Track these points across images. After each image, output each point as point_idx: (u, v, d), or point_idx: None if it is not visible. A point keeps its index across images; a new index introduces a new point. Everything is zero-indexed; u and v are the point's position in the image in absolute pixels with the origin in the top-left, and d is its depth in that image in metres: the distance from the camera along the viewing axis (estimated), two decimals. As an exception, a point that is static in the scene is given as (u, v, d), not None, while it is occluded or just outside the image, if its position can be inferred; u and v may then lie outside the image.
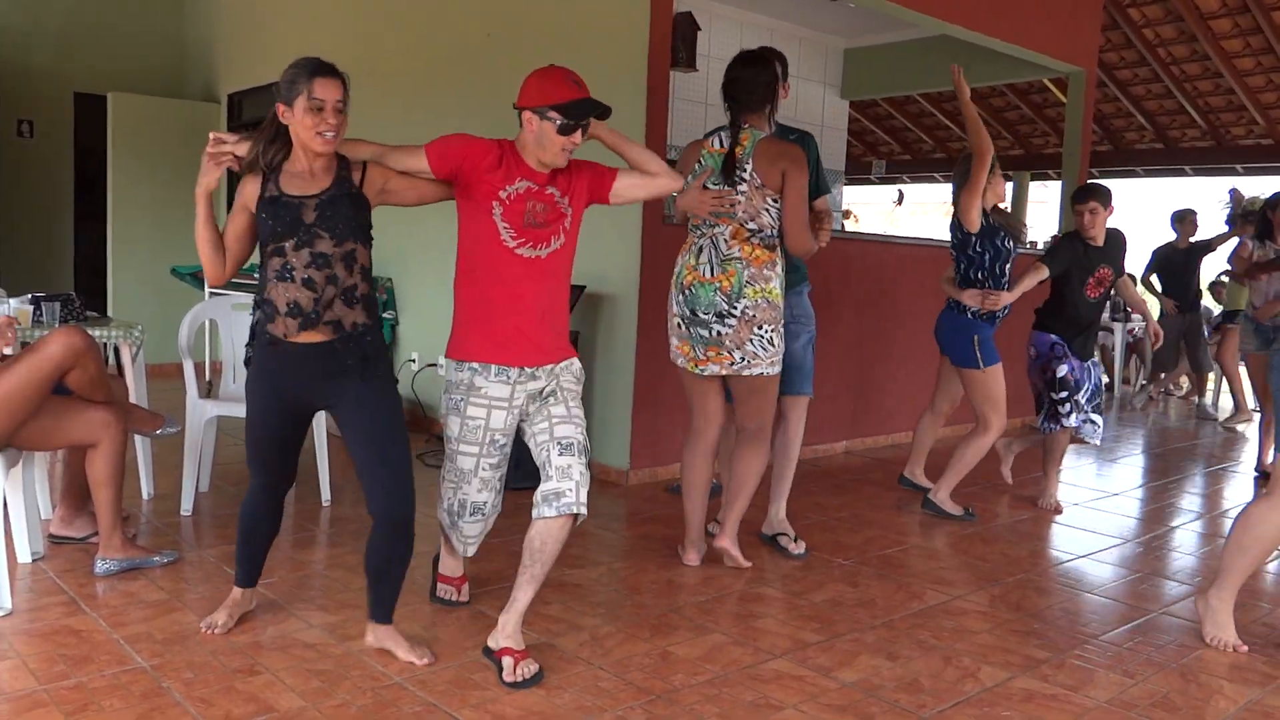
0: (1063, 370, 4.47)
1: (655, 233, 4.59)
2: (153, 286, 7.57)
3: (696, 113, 7.08)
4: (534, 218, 2.63)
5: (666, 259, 4.59)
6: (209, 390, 5.97)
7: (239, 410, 4.10)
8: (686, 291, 3.35)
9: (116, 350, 4.03)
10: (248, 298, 4.48)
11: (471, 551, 2.96)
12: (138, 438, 3.94)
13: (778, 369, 3.42)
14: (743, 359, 3.31)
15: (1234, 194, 7.70)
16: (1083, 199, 4.50)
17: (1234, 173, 11.56)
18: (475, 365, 2.66)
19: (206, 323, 4.62)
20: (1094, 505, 4.81)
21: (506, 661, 2.51)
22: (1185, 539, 4.31)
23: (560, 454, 2.56)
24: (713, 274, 3.31)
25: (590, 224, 2.89)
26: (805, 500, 4.51)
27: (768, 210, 3.31)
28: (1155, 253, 8.20)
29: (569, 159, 2.67)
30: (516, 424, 2.73)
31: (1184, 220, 8.03)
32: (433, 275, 5.88)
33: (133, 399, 3.73)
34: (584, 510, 2.53)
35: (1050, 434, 4.61)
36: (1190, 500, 5.13)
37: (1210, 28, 9.56)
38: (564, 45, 5.00)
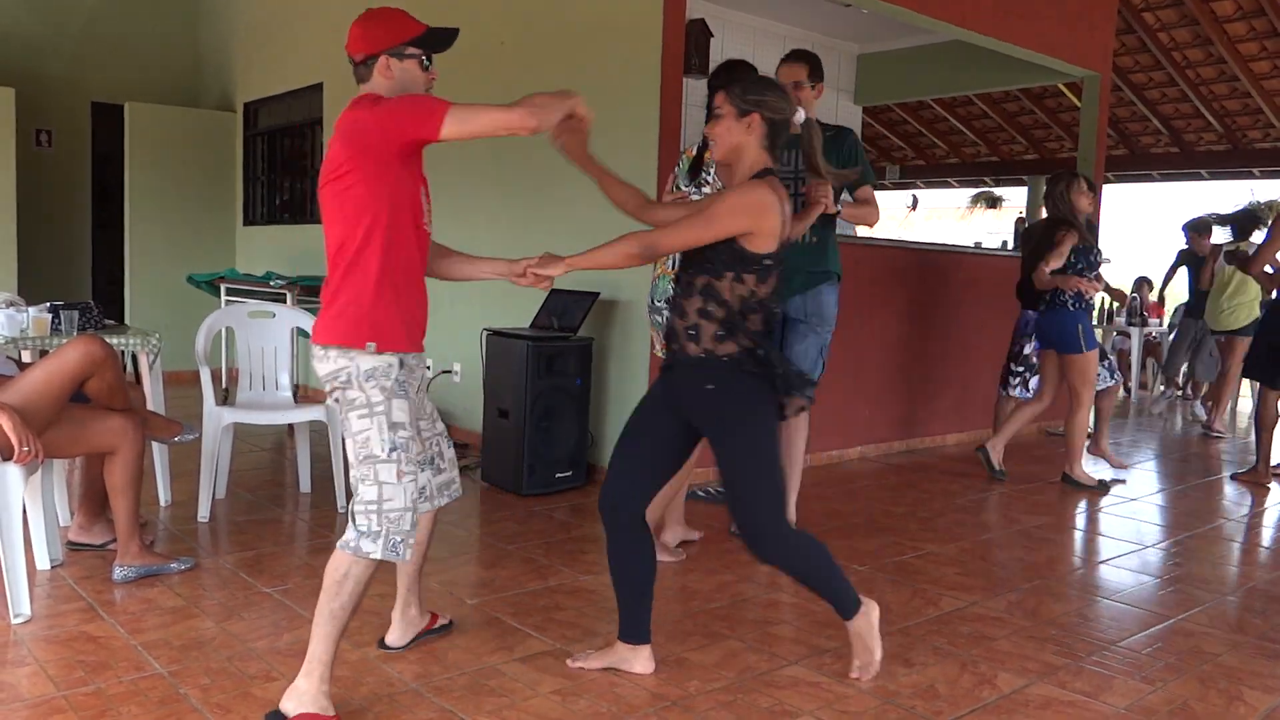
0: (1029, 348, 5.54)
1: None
2: (169, 294, 7.62)
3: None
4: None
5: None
6: (225, 397, 6.00)
7: (255, 417, 4.14)
8: (653, 283, 3.63)
9: (134, 358, 4.06)
10: (262, 305, 4.51)
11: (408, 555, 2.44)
12: (155, 445, 3.96)
13: None
14: None
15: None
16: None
17: (1250, 176, 11.50)
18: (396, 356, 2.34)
19: (223, 330, 4.65)
20: (1110, 511, 4.78)
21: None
22: (1203, 545, 4.27)
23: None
24: (673, 266, 3.48)
25: (604, 230, 2.86)
26: (820, 506, 4.50)
27: None
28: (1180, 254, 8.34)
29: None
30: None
31: (1200, 230, 8.06)
32: (445, 282, 5.88)
33: (150, 406, 3.75)
34: (350, 547, 2.26)
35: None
36: (1207, 506, 5.09)
37: (1226, 31, 9.51)
38: (577, 52, 5.02)
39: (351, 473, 2.30)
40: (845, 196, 3.82)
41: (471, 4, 5.70)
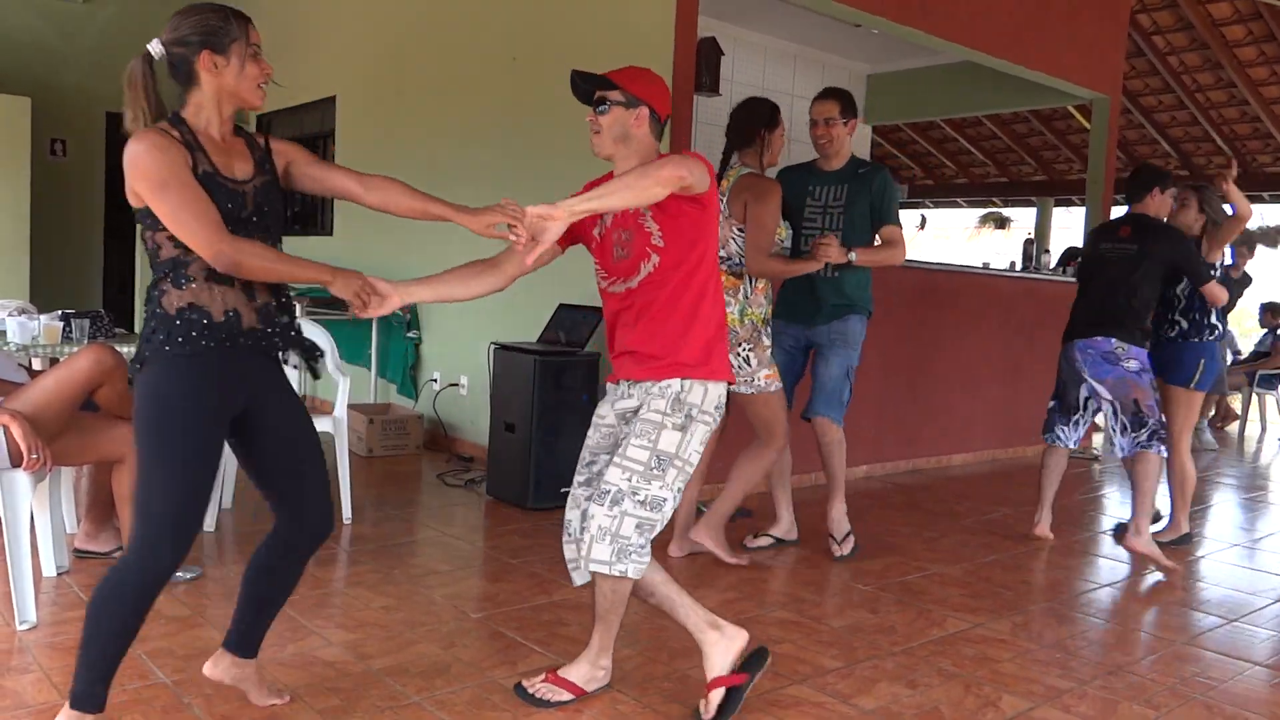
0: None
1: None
2: (179, 304, 7.65)
3: (720, 137, 7.10)
4: (622, 249, 2.48)
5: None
6: (233, 407, 6.01)
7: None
8: (746, 304, 3.74)
9: (143, 367, 4.07)
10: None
11: (575, 580, 2.60)
12: (162, 454, 3.97)
13: (758, 388, 3.68)
14: None
15: None
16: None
17: (1260, 200, 11.49)
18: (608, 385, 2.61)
19: (232, 340, 4.66)
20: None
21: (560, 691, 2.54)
22: (1211, 569, 4.26)
23: (594, 499, 2.43)
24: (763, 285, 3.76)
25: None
26: (823, 526, 4.49)
27: (734, 239, 3.64)
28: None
29: (596, 144, 2.52)
30: (612, 444, 2.56)
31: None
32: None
33: (158, 415, 3.76)
34: (596, 568, 2.40)
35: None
36: (1217, 529, 5.07)
37: (1236, 55, 9.54)
38: (588, 67, 5.04)
39: None
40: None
41: (482, 20, 5.75)
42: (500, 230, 2.21)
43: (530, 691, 2.53)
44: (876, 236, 3.91)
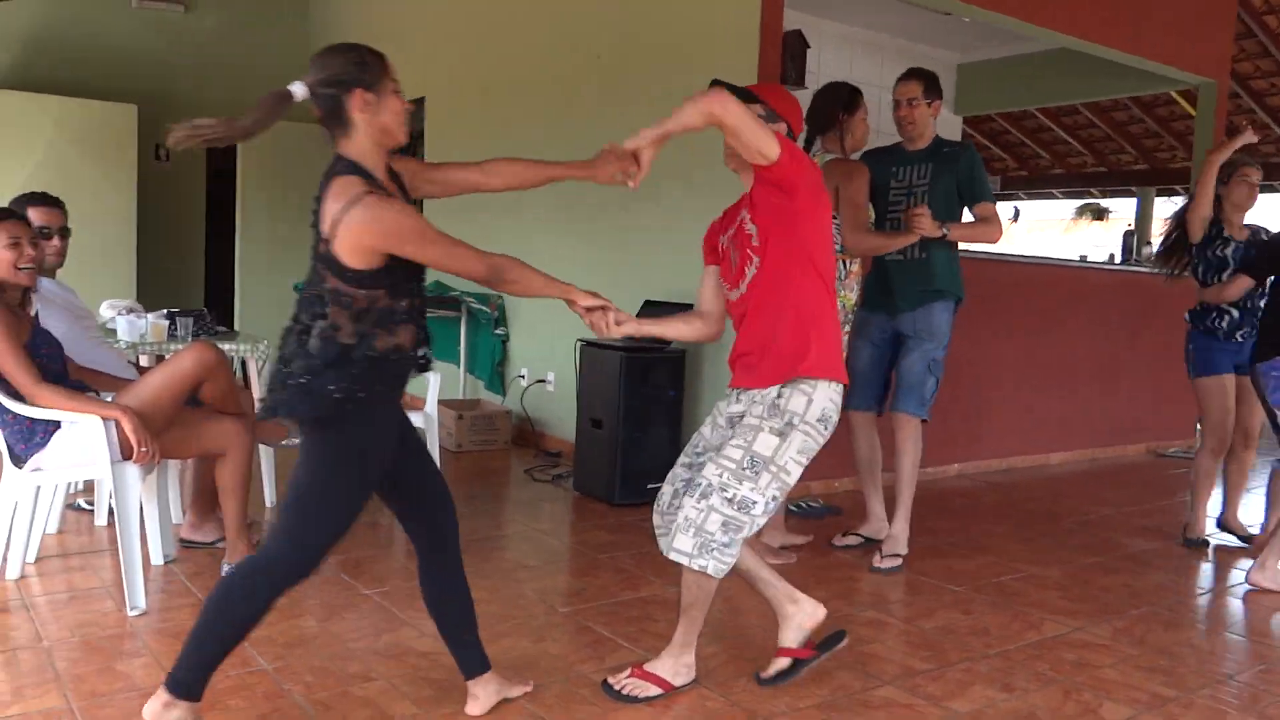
0: None
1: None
2: (277, 302, 7.88)
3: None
4: (736, 256, 2.53)
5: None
6: (328, 403, 6.17)
7: (356, 423, 4.25)
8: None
9: (244, 363, 4.21)
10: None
11: (660, 545, 2.57)
12: (263, 447, 4.10)
13: None
14: None
15: None
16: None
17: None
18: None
19: (327, 338, 4.79)
20: (1225, 538, 4.56)
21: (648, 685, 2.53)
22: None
23: (686, 491, 2.50)
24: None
25: (673, 240, 2.85)
26: (916, 523, 4.40)
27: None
28: None
29: (732, 164, 2.56)
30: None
31: None
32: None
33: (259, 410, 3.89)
34: (676, 558, 2.41)
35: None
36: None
37: (1354, 34, 9.04)
38: (673, 63, 5.04)
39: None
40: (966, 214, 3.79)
41: (567, 18, 5.78)
42: (618, 179, 2.38)
43: (617, 688, 2.53)
44: (968, 215, 3.78)
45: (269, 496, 4.25)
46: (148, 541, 3.38)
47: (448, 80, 6.98)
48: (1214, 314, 4.21)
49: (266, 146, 8.01)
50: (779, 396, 2.44)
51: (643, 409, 4.56)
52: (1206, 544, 4.32)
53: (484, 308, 6.20)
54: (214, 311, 4.66)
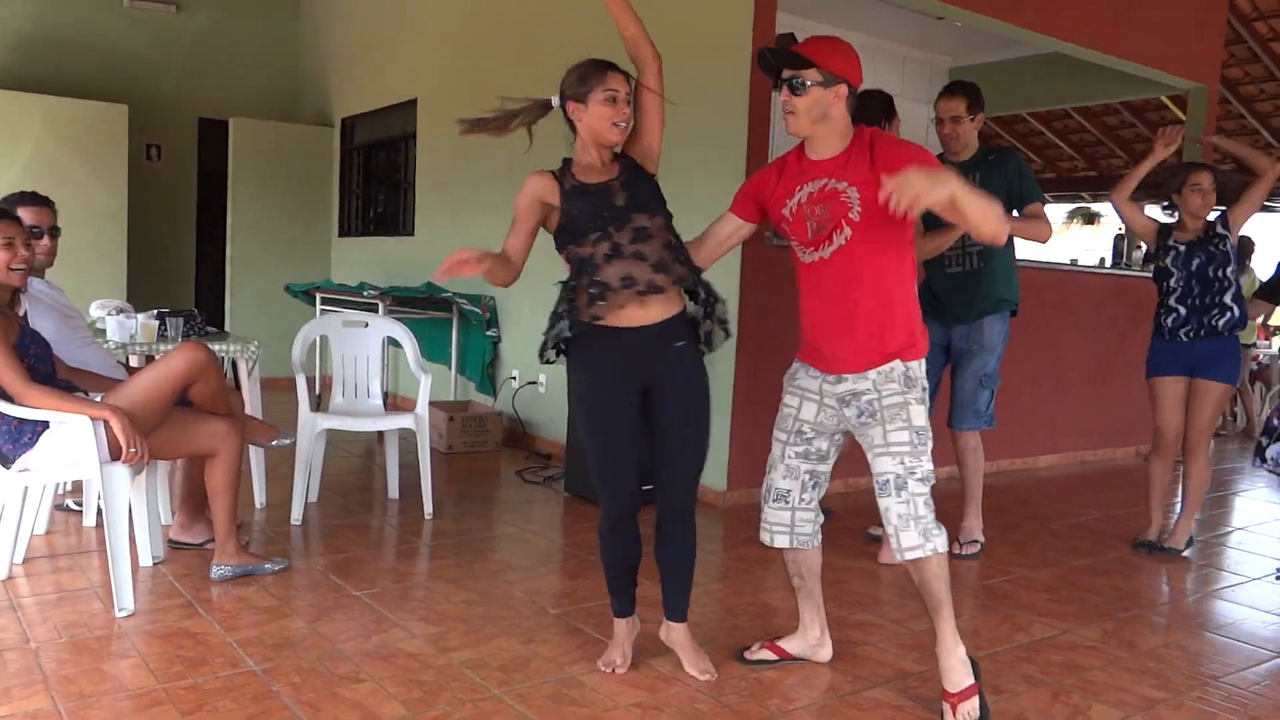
0: None
1: (756, 251, 4.56)
2: (268, 303, 7.88)
3: (798, 133, 7.03)
4: (815, 223, 2.48)
5: (766, 277, 4.57)
6: (319, 404, 6.17)
7: (347, 424, 4.24)
8: None
9: (234, 364, 4.20)
10: (357, 315, 4.63)
11: (775, 541, 2.69)
12: (252, 448, 4.09)
13: None
14: None
15: None
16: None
17: (1368, 192, 10.94)
18: (799, 362, 2.66)
19: (318, 339, 4.78)
20: (1215, 540, 4.58)
21: (946, 708, 2.48)
22: (1315, 578, 4.07)
23: (879, 493, 2.49)
24: None
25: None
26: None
27: None
28: None
29: (794, 125, 2.48)
30: (836, 426, 2.58)
31: None
32: (533, 294, 5.96)
33: (249, 411, 3.88)
34: (910, 555, 2.45)
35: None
36: (1321, 537, 4.84)
37: (1343, 40, 9.10)
38: (667, 64, 5.01)
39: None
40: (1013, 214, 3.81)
41: (559, 20, 5.78)
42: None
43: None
44: (1019, 213, 3.79)
45: (259, 498, 4.24)
46: (136, 542, 3.36)
47: (440, 82, 6.97)
48: (1160, 312, 4.17)
49: (256, 145, 8.00)
50: (906, 369, 2.48)
51: (634, 411, 4.55)
52: (1154, 547, 4.23)
53: (475, 309, 6.19)
54: (204, 312, 4.65)
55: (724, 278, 4.64)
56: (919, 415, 2.47)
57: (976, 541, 4.07)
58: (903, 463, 2.44)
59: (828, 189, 2.46)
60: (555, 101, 2.58)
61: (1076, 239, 17.58)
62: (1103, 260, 8.47)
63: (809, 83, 2.42)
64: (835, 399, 2.54)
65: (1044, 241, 3.86)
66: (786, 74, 2.46)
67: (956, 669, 2.49)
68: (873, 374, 2.47)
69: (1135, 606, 3.54)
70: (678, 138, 5.10)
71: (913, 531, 2.44)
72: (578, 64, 2.57)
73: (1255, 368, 9.11)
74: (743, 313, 4.59)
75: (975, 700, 2.47)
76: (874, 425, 2.48)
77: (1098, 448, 6.53)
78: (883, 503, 2.46)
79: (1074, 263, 7.79)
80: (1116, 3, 6.16)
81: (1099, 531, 4.60)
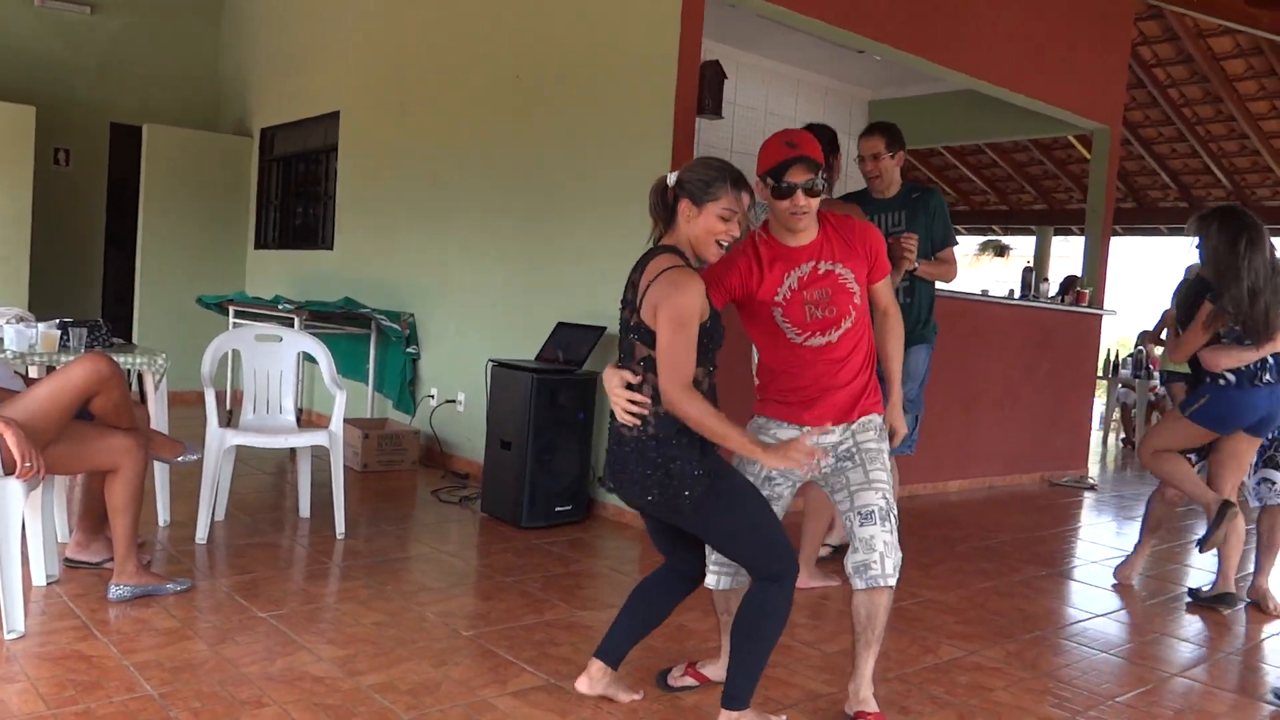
0: None
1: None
2: (178, 314, 7.66)
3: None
4: (817, 309, 2.54)
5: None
6: (229, 419, 6.01)
7: (258, 440, 4.14)
8: None
9: (140, 377, 4.07)
10: (271, 329, 4.53)
11: (720, 584, 2.68)
12: (157, 464, 3.96)
13: None
14: None
15: None
16: None
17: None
18: (766, 417, 2.69)
19: (229, 353, 4.66)
20: (1111, 563, 4.74)
21: None
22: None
23: (863, 523, 2.58)
24: None
25: (587, 266, 2.88)
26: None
27: None
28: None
29: (804, 222, 2.52)
30: (803, 476, 2.63)
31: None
32: (454, 312, 5.92)
33: (154, 426, 3.76)
34: (891, 581, 2.57)
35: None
36: (1208, 560, 5.04)
37: (1235, 89, 9.60)
38: (591, 90, 5.07)
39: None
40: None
41: (487, 38, 5.78)
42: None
43: None
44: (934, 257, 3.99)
45: (162, 515, 4.10)
46: (29, 561, 3.23)
47: (364, 95, 6.89)
48: None
49: (171, 153, 7.79)
50: (879, 420, 2.68)
51: (552, 431, 4.54)
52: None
53: (394, 325, 6.12)
54: (111, 323, 4.49)
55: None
56: (888, 458, 2.67)
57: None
58: (885, 497, 2.60)
59: (820, 271, 2.55)
60: (673, 179, 2.42)
61: (987, 271, 18.13)
62: (1011, 292, 8.74)
63: (823, 181, 2.51)
64: (833, 452, 2.64)
65: (949, 281, 4.09)
66: (804, 179, 2.46)
67: (872, 695, 2.67)
68: (854, 425, 2.63)
69: (1037, 628, 3.64)
70: (607, 161, 5.14)
71: (893, 559, 2.57)
72: (710, 163, 2.41)
73: (1153, 398, 9.50)
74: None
75: None
76: (853, 468, 2.63)
77: (1005, 473, 6.72)
78: (868, 530, 2.57)
79: (984, 293, 8.02)
80: (1027, 45, 6.40)
81: (1005, 554, 4.73)
